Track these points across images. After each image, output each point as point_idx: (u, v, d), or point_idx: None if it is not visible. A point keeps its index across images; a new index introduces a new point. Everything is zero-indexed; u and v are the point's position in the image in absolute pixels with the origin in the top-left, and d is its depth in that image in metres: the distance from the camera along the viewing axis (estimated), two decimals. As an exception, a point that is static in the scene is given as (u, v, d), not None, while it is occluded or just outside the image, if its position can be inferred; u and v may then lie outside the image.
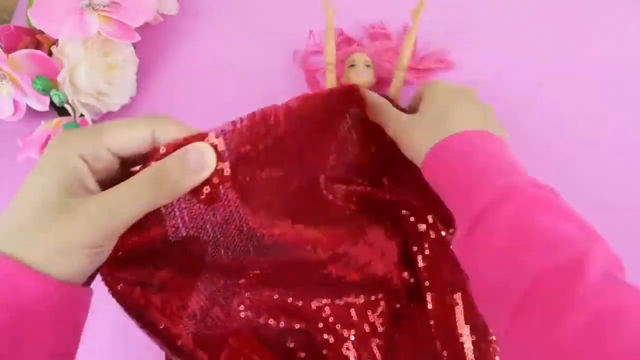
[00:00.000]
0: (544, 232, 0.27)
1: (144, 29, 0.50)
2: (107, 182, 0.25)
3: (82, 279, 0.25)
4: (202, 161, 0.26)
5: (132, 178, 0.24)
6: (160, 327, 0.31)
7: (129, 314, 0.29)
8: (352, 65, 0.47)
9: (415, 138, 0.36)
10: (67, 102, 0.47)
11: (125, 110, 0.53)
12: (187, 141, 0.25)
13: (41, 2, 0.47)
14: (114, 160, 0.25)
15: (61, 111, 0.48)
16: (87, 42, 0.48)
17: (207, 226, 0.29)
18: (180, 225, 0.28)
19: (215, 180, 0.27)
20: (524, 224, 0.27)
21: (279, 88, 0.53)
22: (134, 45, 0.52)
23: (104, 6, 0.47)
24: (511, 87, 0.49)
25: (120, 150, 0.25)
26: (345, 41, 0.54)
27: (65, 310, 0.24)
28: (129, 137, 0.25)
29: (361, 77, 0.47)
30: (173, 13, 0.56)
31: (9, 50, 0.47)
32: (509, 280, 0.26)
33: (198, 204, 0.27)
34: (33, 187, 0.24)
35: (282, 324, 0.38)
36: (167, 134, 0.25)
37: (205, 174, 0.26)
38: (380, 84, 0.49)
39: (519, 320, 0.25)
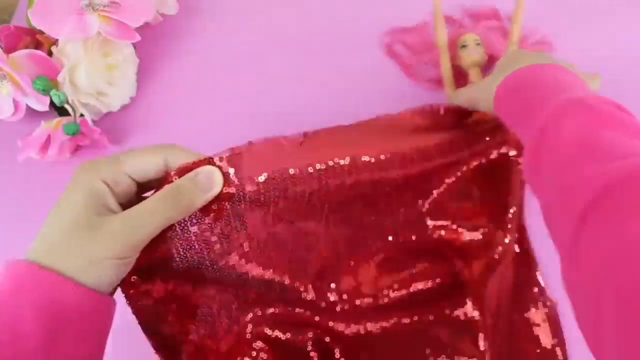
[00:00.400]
0: (612, 145, 0.26)
1: (143, 29, 0.50)
2: (125, 205, 0.28)
3: (109, 289, 0.28)
4: (211, 181, 0.29)
5: (151, 197, 0.28)
6: (168, 339, 0.33)
7: (142, 326, 0.31)
8: (464, 46, 0.49)
9: (491, 84, 0.36)
10: (67, 102, 0.47)
11: (125, 110, 0.53)
12: (195, 165, 0.29)
13: (41, 2, 0.47)
14: (132, 185, 0.29)
15: (61, 111, 0.48)
16: (87, 42, 0.48)
17: (214, 240, 0.32)
18: (193, 238, 0.31)
19: (222, 198, 0.30)
20: (589, 137, 0.27)
21: (278, 88, 0.53)
22: (134, 45, 0.52)
23: (104, 6, 0.47)
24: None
25: (137, 175, 0.29)
26: (449, 22, 0.55)
27: (97, 318, 0.27)
28: (145, 163, 0.29)
29: (473, 56, 0.49)
30: (173, 13, 0.56)
31: (9, 50, 0.47)
32: (575, 189, 0.26)
33: (207, 220, 0.31)
34: (64, 208, 0.27)
35: (289, 335, 0.38)
36: (178, 159, 0.29)
37: (214, 192, 0.29)
38: (491, 62, 0.50)
39: (586, 225, 0.24)
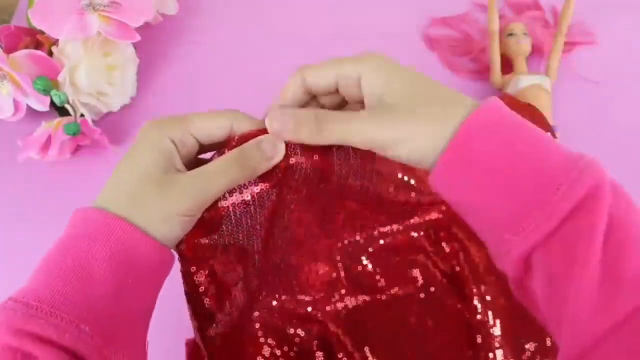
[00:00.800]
0: None
1: (144, 28, 0.50)
2: (186, 165, 0.29)
3: (173, 244, 0.29)
4: (275, 149, 0.29)
5: (219, 159, 0.29)
6: (205, 309, 0.33)
7: (186, 290, 0.32)
8: (511, 34, 0.50)
9: (403, 134, 0.26)
10: (68, 102, 0.47)
11: (125, 110, 0.53)
12: (260, 132, 0.29)
13: (41, 2, 0.47)
14: (196, 146, 0.29)
15: (61, 111, 0.48)
16: (88, 42, 0.48)
17: (268, 205, 0.32)
18: (250, 201, 0.31)
19: (282, 166, 0.30)
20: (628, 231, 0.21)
21: (279, 88, 0.53)
22: (134, 45, 0.52)
23: (104, 6, 0.47)
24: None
25: (203, 137, 0.29)
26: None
27: (161, 273, 0.29)
28: (213, 127, 0.29)
29: (521, 44, 0.50)
30: (173, 13, 0.56)
31: (9, 50, 0.47)
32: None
33: (264, 185, 0.31)
34: (134, 161, 0.28)
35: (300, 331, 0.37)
36: (242, 125, 0.30)
37: (277, 160, 0.29)
38: (535, 52, 0.52)
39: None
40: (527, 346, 0.37)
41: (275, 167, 0.30)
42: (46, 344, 0.23)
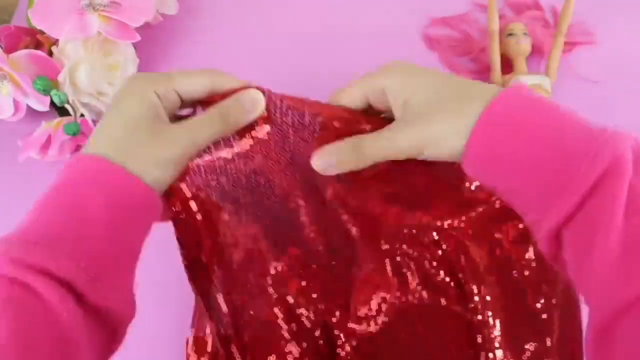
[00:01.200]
0: None
1: (144, 28, 0.50)
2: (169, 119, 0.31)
3: (162, 190, 0.30)
4: (254, 103, 0.31)
5: (204, 113, 0.31)
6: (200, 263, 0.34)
7: (180, 244, 0.33)
8: (511, 34, 0.50)
9: (433, 133, 0.28)
10: (68, 102, 0.47)
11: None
12: (241, 89, 0.31)
13: (41, 2, 0.47)
14: (177, 102, 0.31)
15: (62, 111, 0.48)
16: (88, 42, 0.48)
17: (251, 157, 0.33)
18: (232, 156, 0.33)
19: (260, 121, 0.32)
20: None
21: (278, 88, 0.53)
22: (134, 45, 0.52)
23: (104, 6, 0.47)
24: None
25: (185, 93, 0.31)
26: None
27: (151, 217, 0.30)
28: (195, 84, 0.31)
29: (521, 45, 0.50)
30: (173, 13, 0.56)
31: (9, 50, 0.47)
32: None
33: (245, 141, 0.32)
34: (123, 109, 0.29)
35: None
36: (224, 83, 0.31)
37: (257, 113, 0.31)
38: (535, 52, 0.52)
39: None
40: (527, 346, 0.37)
41: (253, 133, 0.32)
42: (45, 276, 0.24)
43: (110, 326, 0.27)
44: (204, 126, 0.30)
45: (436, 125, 0.28)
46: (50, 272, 0.24)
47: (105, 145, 0.28)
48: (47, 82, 0.46)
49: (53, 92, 0.46)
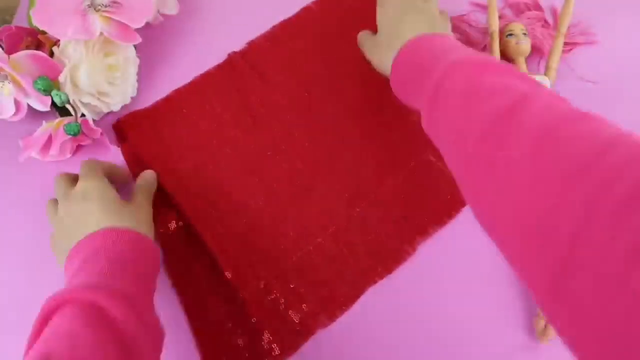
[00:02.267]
0: (495, 85, 0.31)
1: (144, 29, 0.50)
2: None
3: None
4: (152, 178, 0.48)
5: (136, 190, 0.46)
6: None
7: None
8: (511, 35, 0.51)
9: (380, 58, 0.45)
10: (68, 102, 0.47)
11: (125, 110, 0.53)
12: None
13: (43, 2, 0.47)
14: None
15: (62, 111, 0.48)
16: (89, 42, 0.48)
17: None
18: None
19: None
20: (475, 82, 0.32)
21: (279, 88, 0.53)
22: (135, 45, 0.52)
23: (105, 6, 0.47)
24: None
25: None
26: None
27: (157, 257, 0.42)
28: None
29: (521, 45, 0.50)
30: (173, 13, 0.57)
31: (10, 50, 0.47)
32: (466, 129, 0.31)
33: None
34: (104, 197, 0.42)
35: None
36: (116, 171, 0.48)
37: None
38: (535, 52, 0.52)
39: (477, 159, 0.30)
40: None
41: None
42: (110, 301, 0.34)
43: (152, 340, 0.36)
44: (142, 195, 0.45)
45: (378, 55, 0.45)
46: (114, 298, 0.34)
47: (115, 220, 0.40)
48: (48, 82, 0.46)
49: (54, 92, 0.46)
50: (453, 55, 0.36)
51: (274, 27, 0.55)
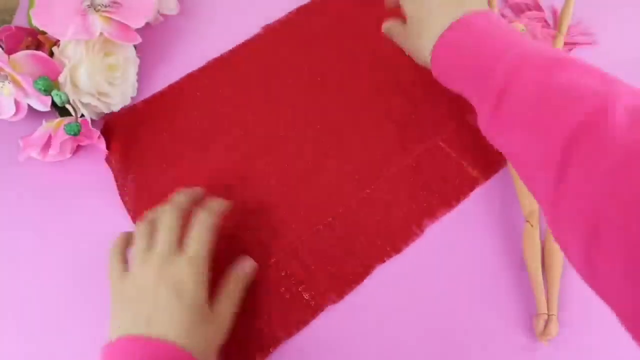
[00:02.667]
0: (567, 90, 0.29)
1: (144, 29, 0.50)
2: None
3: None
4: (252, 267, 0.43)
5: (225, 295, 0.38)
6: None
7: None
8: None
9: (414, 46, 0.42)
10: (68, 102, 0.47)
11: (125, 110, 0.53)
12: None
13: (42, 2, 0.47)
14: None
15: (62, 111, 0.48)
16: (89, 42, 0.48)
17: None
18: None
19: None
20: (550, 83, 0.29)
21: (279, 88, 0.53)
22: (135, 45, 0.52)
23: (105, 6, 0.47)
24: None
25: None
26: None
27: None
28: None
29: None
30: (173, 13, 0.57)
31: (10, 50, 0.47)
32: (542, 149, 0.28)
33: None
34: (185, 295, 0.34)
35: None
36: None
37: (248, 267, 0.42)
38: None
39: (563, 187, 0.27)
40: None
41: None
42: None
43: None
44: (232, 298, 0.37)
45: (412, 43, 0.42)
46: None
47: (172, 331, 0.32)
48: (48, 82, 0.46)
49: (54, 92, 0.46)
50: (515, 48, 0.33)
51: (289, 12, 0.57)
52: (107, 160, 0.50)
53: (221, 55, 0.55)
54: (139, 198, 0.47)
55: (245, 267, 0.40)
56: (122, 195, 0.48)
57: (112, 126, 0.52)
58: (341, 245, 0.44)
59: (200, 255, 0.36)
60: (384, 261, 0.44)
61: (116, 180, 0.49)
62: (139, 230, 0.38)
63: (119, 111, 0.52)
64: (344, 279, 0.43)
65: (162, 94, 0.53)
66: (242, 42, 0.56)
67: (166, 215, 0.38)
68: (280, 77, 0.53)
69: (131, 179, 0.48)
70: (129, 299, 0.34)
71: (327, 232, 0.45)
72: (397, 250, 0.44)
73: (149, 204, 0.44)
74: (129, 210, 0.47)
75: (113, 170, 0.49)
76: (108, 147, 0.50)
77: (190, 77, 0.54)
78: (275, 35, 0.56)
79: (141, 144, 0.50)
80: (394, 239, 0.45)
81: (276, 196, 0.47)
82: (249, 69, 0.54)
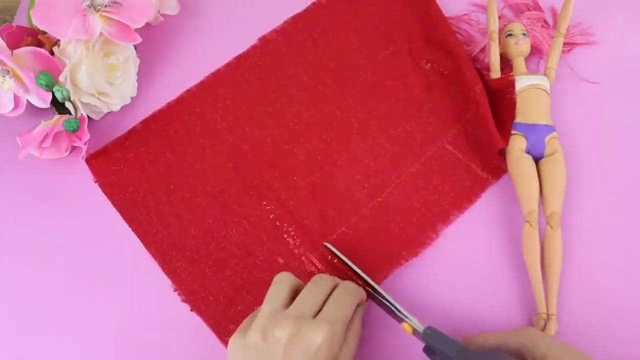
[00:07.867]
0: None
1: (144, 29, 0.50)
2: None
3: None
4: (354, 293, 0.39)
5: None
6: None
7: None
8: (510, 35, 0.50)
9: None
10: (69, 99, 0.47)
11: (125, 110, 0.53)
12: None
13: (43, 2, 0.47)
14: None
15: (61, 110, 0.48)
16: (89, 42, 0.48)
17: None
18: None
19: None
20: None
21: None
22: (135, 45, 0.52)
23: (105, 6, 0.47)
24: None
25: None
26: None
27: None
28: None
29: (521, 45, 0.50)
30: (173, 13, 0.57)
31: (11, 48, 0.47)
32: None
33: None
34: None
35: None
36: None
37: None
38: (534, 52, 0.52)
39: None
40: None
41: None
42: None
43: None
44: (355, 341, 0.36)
45: None
46: None
47: None
48: (50, 78, 0.46)
49: (56, 88, 0.46)
50: None
51: (285, 22, 0.56)
52: (108, 194, 0.49)
53: (218, 70, 0.54)
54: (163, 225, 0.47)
55: (363, 299, 0.39)
56: (136, 227, 0.47)
57: (111, 150, 0.51)
58: (357, 252, 0.44)
59: (330, 334, 0.33)
60: (401, 264, 0.43)
61: (124, 215, 0.47)
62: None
63: (120, 111, 0.52)
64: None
65: (160, 113, 0.52)
66: (239, 55, 0.55)
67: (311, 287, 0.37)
68: (281, 88, 0.52)
69: (153, 208, 0.47)
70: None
71: (341, 241, 0.44)
72: (414, 253, 0.44)
73: (165, 229, 0.46)
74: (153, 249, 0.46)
75: (118, 207, 0.48)
76: (108, 181, 0.49)
77: (189, 94, 0.53)
78: (272, 46, 0.55)
79: (145, 169, 0.49)
80: (409, 244, 0.44)
81: (287, 210, 0.46)
82: (248, 81, 0.53)
